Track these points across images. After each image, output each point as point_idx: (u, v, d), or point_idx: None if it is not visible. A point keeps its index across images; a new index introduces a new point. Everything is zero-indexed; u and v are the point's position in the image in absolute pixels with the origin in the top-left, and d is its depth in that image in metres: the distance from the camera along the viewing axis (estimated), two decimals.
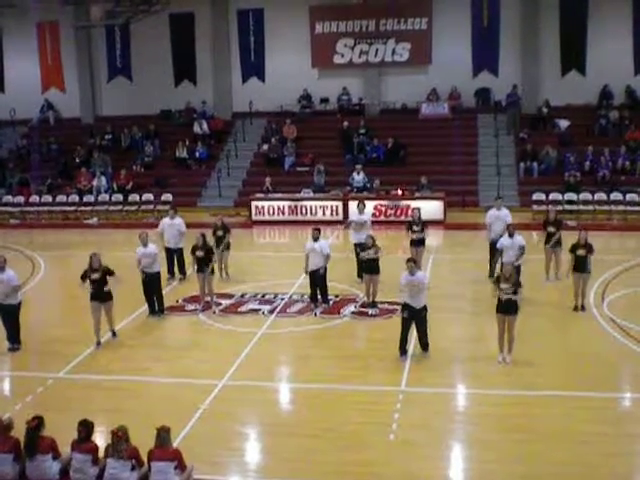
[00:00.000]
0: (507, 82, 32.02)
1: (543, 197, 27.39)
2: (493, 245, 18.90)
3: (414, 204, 26.55)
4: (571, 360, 14.07)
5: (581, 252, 16.42)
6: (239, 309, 17.68)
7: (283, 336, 16.06)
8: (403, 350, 14.34)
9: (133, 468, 9.30)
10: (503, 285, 13.74)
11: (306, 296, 18.05)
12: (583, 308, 16.70)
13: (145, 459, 9.37)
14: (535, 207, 26.58)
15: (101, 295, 15.11)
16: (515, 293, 13.73)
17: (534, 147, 29.87)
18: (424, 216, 25.83)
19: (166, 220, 19.97)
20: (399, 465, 10.52)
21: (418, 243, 19.25)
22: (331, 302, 17.77)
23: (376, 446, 11.06)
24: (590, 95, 31.89)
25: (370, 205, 26.36)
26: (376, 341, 15.74)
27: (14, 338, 15.30)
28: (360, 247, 17.78)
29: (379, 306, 17.36)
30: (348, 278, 18.71)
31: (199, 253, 17.35)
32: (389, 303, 17.32)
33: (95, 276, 15.05)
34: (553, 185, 28.11)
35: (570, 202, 26.88)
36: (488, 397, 12.68)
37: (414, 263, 14.31)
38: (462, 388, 13.40)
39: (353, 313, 17.19)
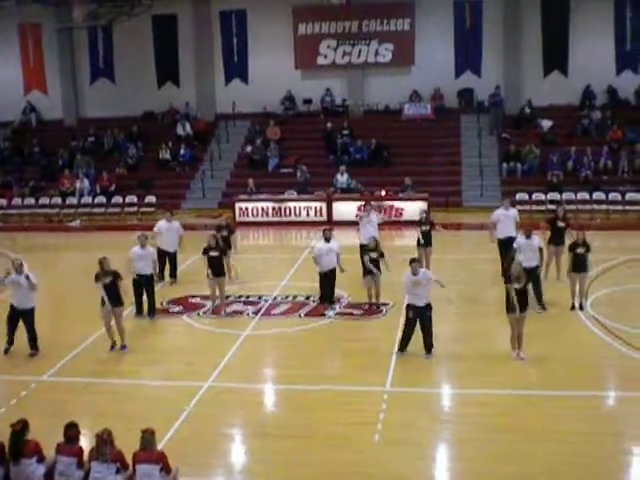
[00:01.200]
0: (490, 83, 32.11)
1: (526, 197, 27.54)
2: (502, 245, 19.01)
3: (397, 205, 26.81)
4: (555, 359, 14.11)
5: (580, 250, 16.48)
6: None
7: (268, 337, 16.04)
8: (403, 347, 14.38)
9: (118, 471, 9.26)
10: (515, 285, 13.85)
11: (300, 297, 18.24)
12: (582, 307, 16.75)
13: (130, 462, 9.34)
14: (518, 207, 26.63)
15: (112, 301, 14.94)
16: (525, 294, 13.94)
17: (517, 147, 29.98)
18: (407, 217, 26.15)
19: (163, 223, 19.92)
20: (385, 465, 10.53)
21: (425, 244, 19.22)
22: (317, 303, 17.79)
23: (361, 446, 11.06)
24: (572, 95, 32.06)
25: (354, 205, 26.43)
26: (361, 341, 15.76)
27: (35, 343, 15.14)
28: (365, 248, 17.63)
29: (364, 307, 17.41)
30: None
31: (213, 253, 17.20)
32: (371, 304, 17.37)
33: (106, 281, 14.91)
34: (536, 185, 28.26)
35: (553, 202, 26.98)
36: (473, 397, 12.71)
37: (418, 263, 14.31)
38: (447, 388, 13.45)
39: (338, 314, 17.20)
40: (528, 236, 16.85)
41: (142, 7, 30.56)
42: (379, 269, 17.04)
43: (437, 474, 10.58)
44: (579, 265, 16.54)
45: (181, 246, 19.88)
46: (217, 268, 17.20)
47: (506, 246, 19.00)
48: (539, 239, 17.15)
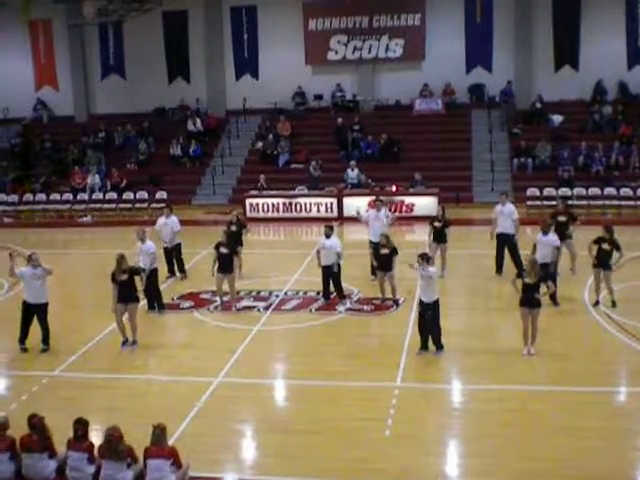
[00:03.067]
0: (501, 78, 32.05)
1: (537, 192, 27.43)
2: (499, 240, 18.95)
3: (408, 200, 26.78)
4: (566, 355, 14.08)
5: (605, 247, 16.27)
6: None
7: (278, 333, 16.06)
8: (423, 345, 14.32)
9: (128, 466, 9.32)
10: (527, 280, 13.83)
11: (311, 292, 18.23)
12: (614, 304, 16.44)
13: (140, 456, 9.37)
14: (529, 202, 26.64)
15: (126, 297, 14.97)
16: (537, 289, 13.84)
17: (528, 143, 29.89)
18: (418, 212, 26.16)
19: (161, 219, 19.95)
20: (395, 461, 10.53)
21: (439, 239, 19.07)
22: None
23: (372, 442, 11.07)
24: (583, 90, 31.92)
25: (365, 201, 26.42)
26: (371, 337, 15.82)
27: (47, 339, 15.22)
28: (376, 245, 17.60)
29: (375, 302, 17.40)
30: (345, 275, 18.61)
31: (223, 250, 17.15)
32: (384, 299, 17.37)
33: (123, 277, 14.91)
34: (547, 180, 28.14)
35: (564, 197, 26.85)
36: (483, 392, 12.69)
37: (425, 258, 14.19)
38: (457, 383, 13.42)
39: (348, 309, 17.20)
40: (545, 232, 16.75)
41: (152, 3, 30.57)
42: (391, 266, 16.99)
43: (447, 469, 10.55)
44: (600, 261, 16.34)
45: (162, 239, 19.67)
46: (225, 265, 17.20)
47: (500, 242, 18.98)
48: (556, 236, 16.97)
